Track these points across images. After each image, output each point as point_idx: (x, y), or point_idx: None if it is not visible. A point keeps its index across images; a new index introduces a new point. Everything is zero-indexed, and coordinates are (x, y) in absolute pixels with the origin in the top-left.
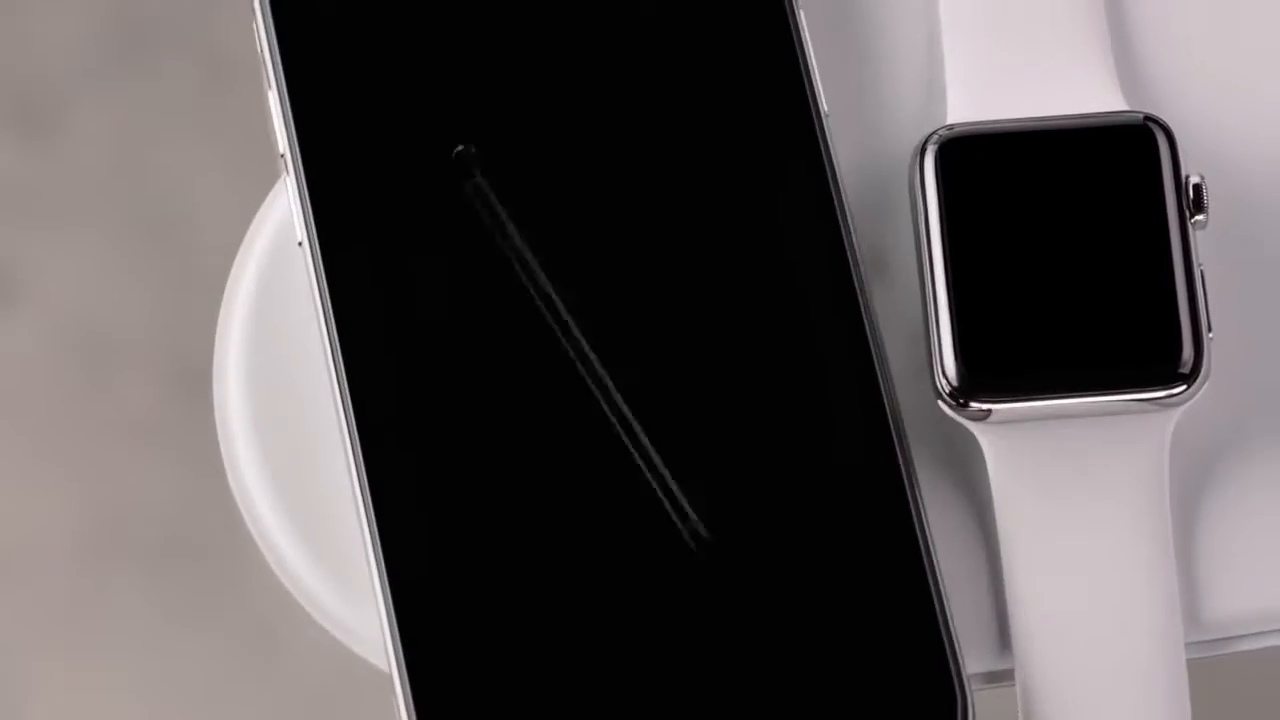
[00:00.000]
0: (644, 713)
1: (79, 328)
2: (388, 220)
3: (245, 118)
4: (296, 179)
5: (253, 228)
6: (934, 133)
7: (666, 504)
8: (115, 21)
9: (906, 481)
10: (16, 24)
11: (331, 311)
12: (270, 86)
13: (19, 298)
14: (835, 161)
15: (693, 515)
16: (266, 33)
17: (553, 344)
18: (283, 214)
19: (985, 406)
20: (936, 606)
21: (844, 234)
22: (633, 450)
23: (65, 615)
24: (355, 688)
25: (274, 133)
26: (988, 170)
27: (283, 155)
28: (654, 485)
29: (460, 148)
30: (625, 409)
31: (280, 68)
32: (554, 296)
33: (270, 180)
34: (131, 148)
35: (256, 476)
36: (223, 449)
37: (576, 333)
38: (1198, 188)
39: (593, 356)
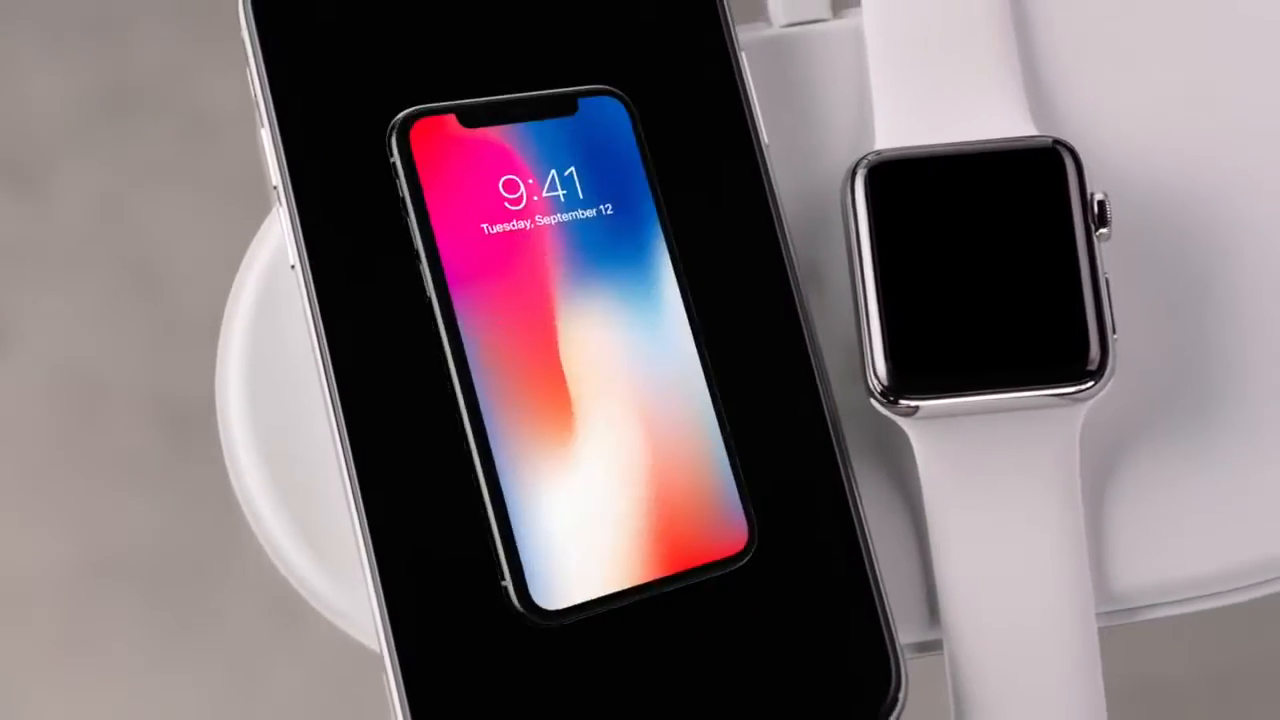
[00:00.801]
0: (618, 683)
1: (70, 372)
2: (368, 244)
3: (221, 172)
4: (288, 208)
5: (249, 252)
6: (863, 158)
7: (630, 490)
8: (98, 86)
9: (844, 473)
10: (4, 89)
11: (321, 324)
12: (263, 125)
13: (13, 344)
14: (775, 186)
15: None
16: (260, 78)
17: (521, 350)
18: (276, 240)
19: (913, 403)
20: (872, 584)
21: (783, 251)
22: (607, 443)
23: (61, 643)
24: (341, 707)
25: (267, 168)
26: (912, 191)
27: (275, 187)
28: (621, 472)
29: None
30: (597, 410)
31: (272, 109)
32: (518, 310)
33: (246, 227)
34: (116, 203)
35: (256, 477)
36: (225, 452)
37: (557, 342)
38: (1101, 204)
39: (564, 365)
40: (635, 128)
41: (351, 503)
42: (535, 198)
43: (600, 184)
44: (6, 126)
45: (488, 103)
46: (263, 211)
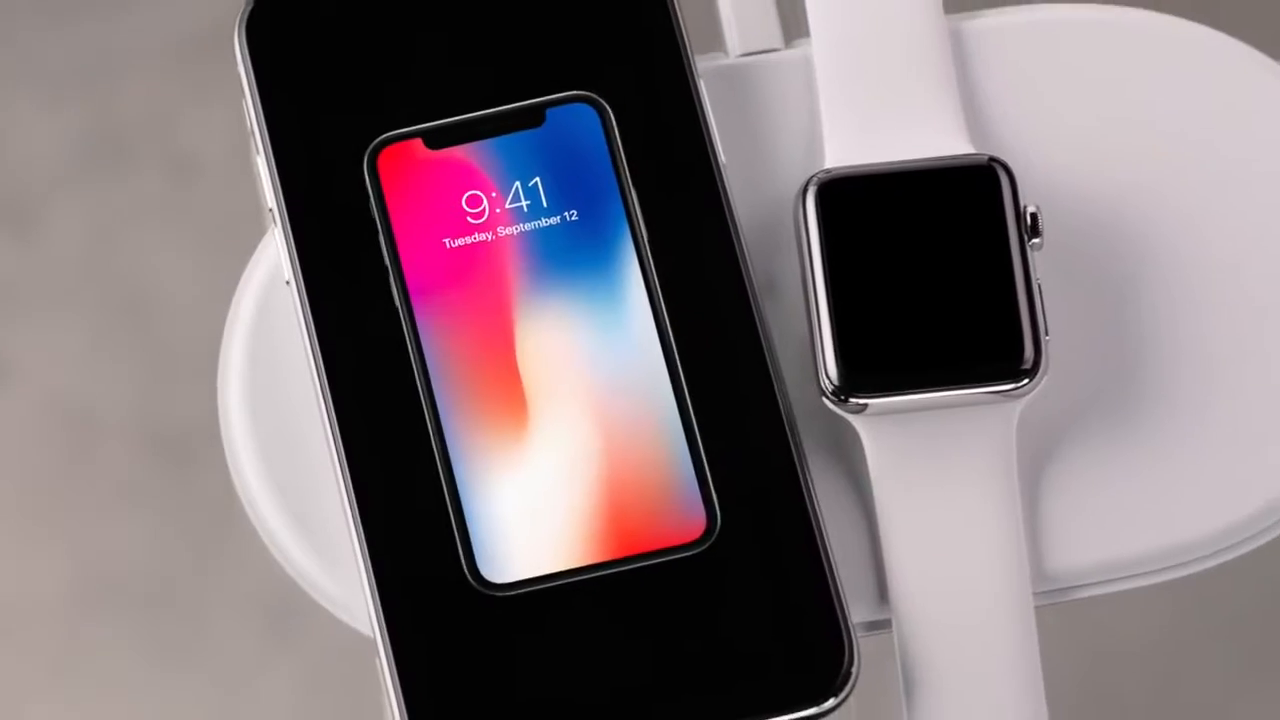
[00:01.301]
0: (580, 655)
1: (63, 403)
2: (352, 259)
3: (206, 211)
4: (282, 228)
5: (248, 269)
6: (814, 176)
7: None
8: (88, 131)
9: (799, 466)
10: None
11: (315, 333)
12: (258, 153)
13: (9, 378)
14: (732, 202)
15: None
16: (255, 111)
17: (479, 352)
18: (271, 258)
19: (862, 401)
20: (826, 568)
21: (741, 262)
22: (561, 436)
23: (58, 661)
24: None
25: (262, 191)
26: (859, 206)
27: (270, 209)
28: (602, 462)
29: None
30: (553, 405)
31: (267, 138)
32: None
33: (230, 262)
34: (105, 242)
35: (256, 476)
36: (226, 452)
37: (514, 342)
38: (1034, 216)
39: (520, 364)
40: (609, 132)
41: (343, 495)
42: (498, 210)
43: (566, 191)
44: (2, 170)
45: (453, 123)
46: (244, 247)
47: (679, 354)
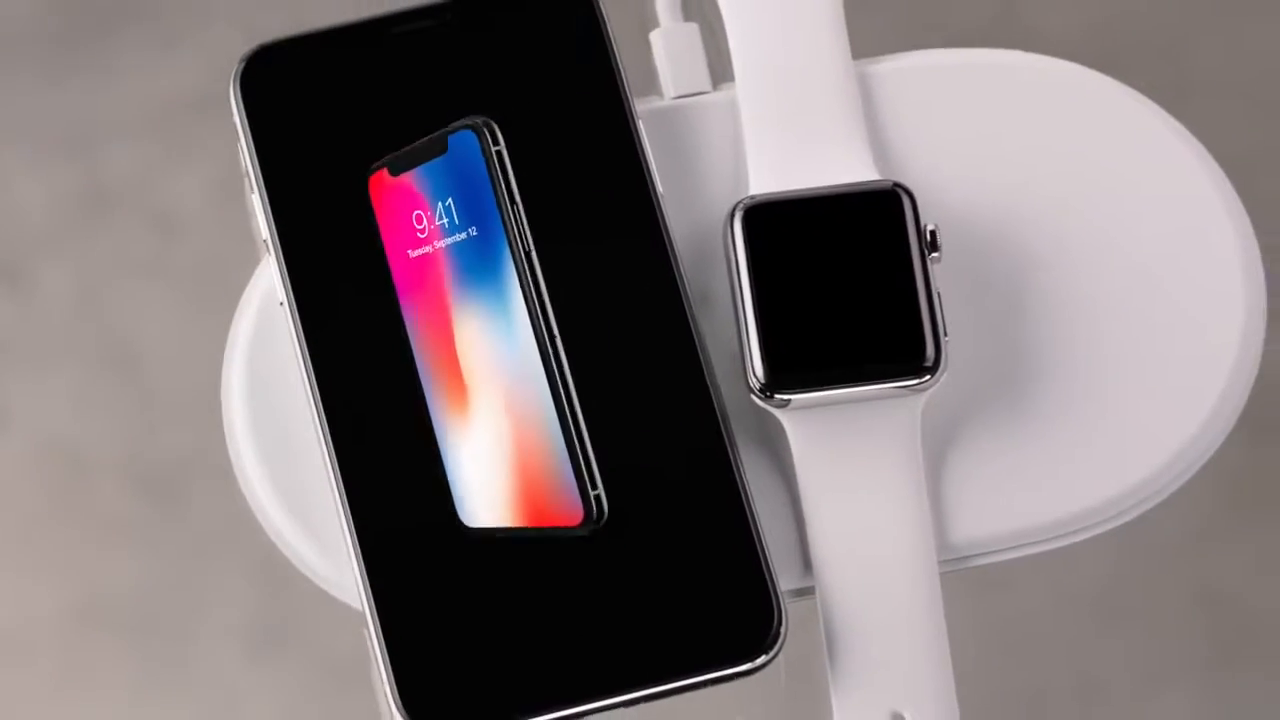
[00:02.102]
0: (542, 634)
1: (58, 446)
2: (334, 281)
3: (186, 264)
4: (275, 256)
5: (245, 293)
6: (740, 201)
7: (573, 474)
8: (73, 192)
9: (732, 455)
10: None
11: (306, 349)
12: (252, 191)
13: (6, 423)
14: (669, 226)
15: (590, 483)
16: (249, 154)
17: (436, 345)
18: (266, 283)
19: (786, 397)
20: (756, 542)
21: (678, 278)
22: (485, 420)
23: (55, 687)
24: None
25: (257, 225)
26: (780, 227)
27: (264, 240)
28: (562, 460)
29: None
30: (479, 394)
31: (260, 177)
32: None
33: (211, 309)
34: (93, 294)
35: (256, 470)
36: (229, 449)
37: (453, 338)
38: (933, 233)
39: (459, 359)
40: (487, 154)
41: (331, 480)
42: (432, 226)
43: (465, 211)
44: None
45: (397, 156)
46: (222, 295)
47: (628, 359)
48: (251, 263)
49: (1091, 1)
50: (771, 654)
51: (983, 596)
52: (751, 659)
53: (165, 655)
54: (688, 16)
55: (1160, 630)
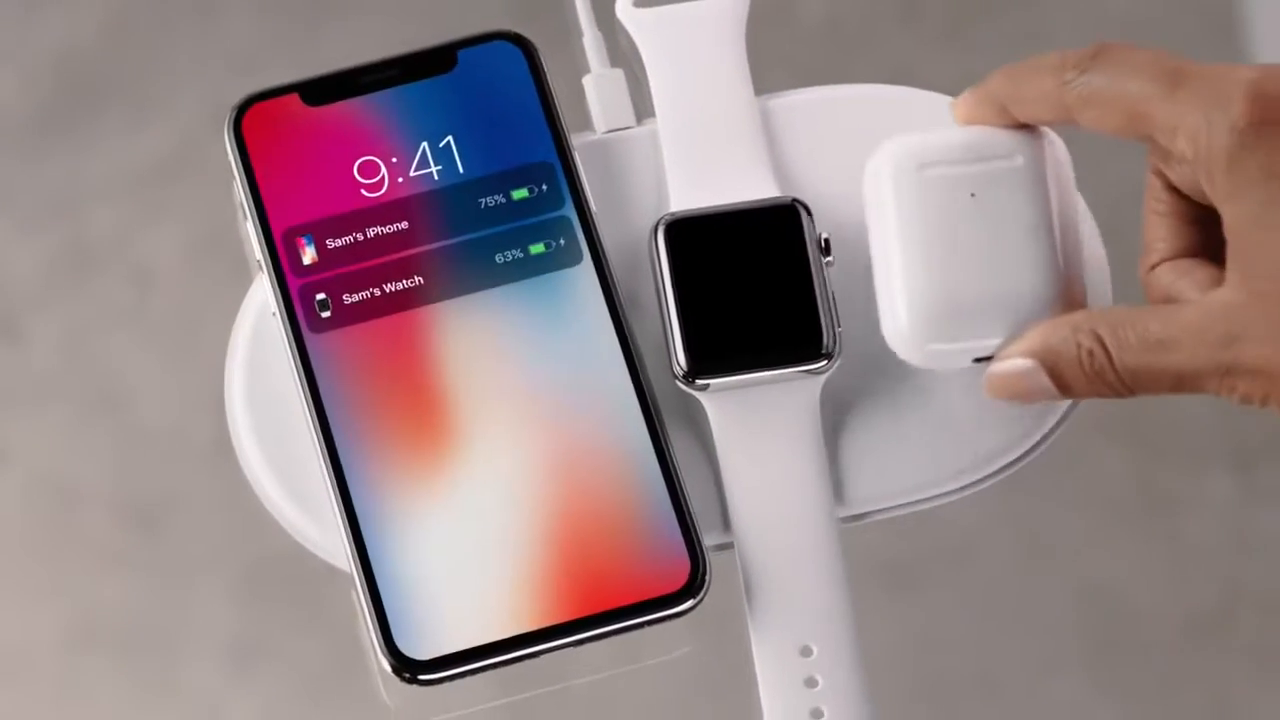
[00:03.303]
0: (502, 586)
1: (53, 481)
2: (324, 294)
3: (165, 311)
4: (267, 274)
5: (243, 306)
6: (662, 217)
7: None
8: (59, 248)
9: (661, 432)
10: None
11: (296, 350)
12: (246, 219)
13: (4, 462)
14: (601, 239)
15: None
16: (242, 186)
17: (438, 359)
18: (260, 297)
19: (705, 382)
20: (683, 503)
21: (610, 284)
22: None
23: (54, 702)
24: None
25: (252, 247)
26: (696, 238)
27: (258, 260)
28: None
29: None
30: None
31: (253, 206)
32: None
33: (189, 351)
34: (80, 343)
35: (256, 454)
36: (234, 442)
37: (443, 347)
38: (827, 241)
39: (465, 369)
40: (538, 74)
41: (320, 457)
42: (402, 177)
43: (486, 152)
44: None
45: (324, 77)
46: (196, 341)
47: (569, 353)
48: (222, 311)
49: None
50: (699, 598)
51: (894, 597)
52: (683, 603)
53: (152, 671)
54: (614, 63)
55: (1047, 626)
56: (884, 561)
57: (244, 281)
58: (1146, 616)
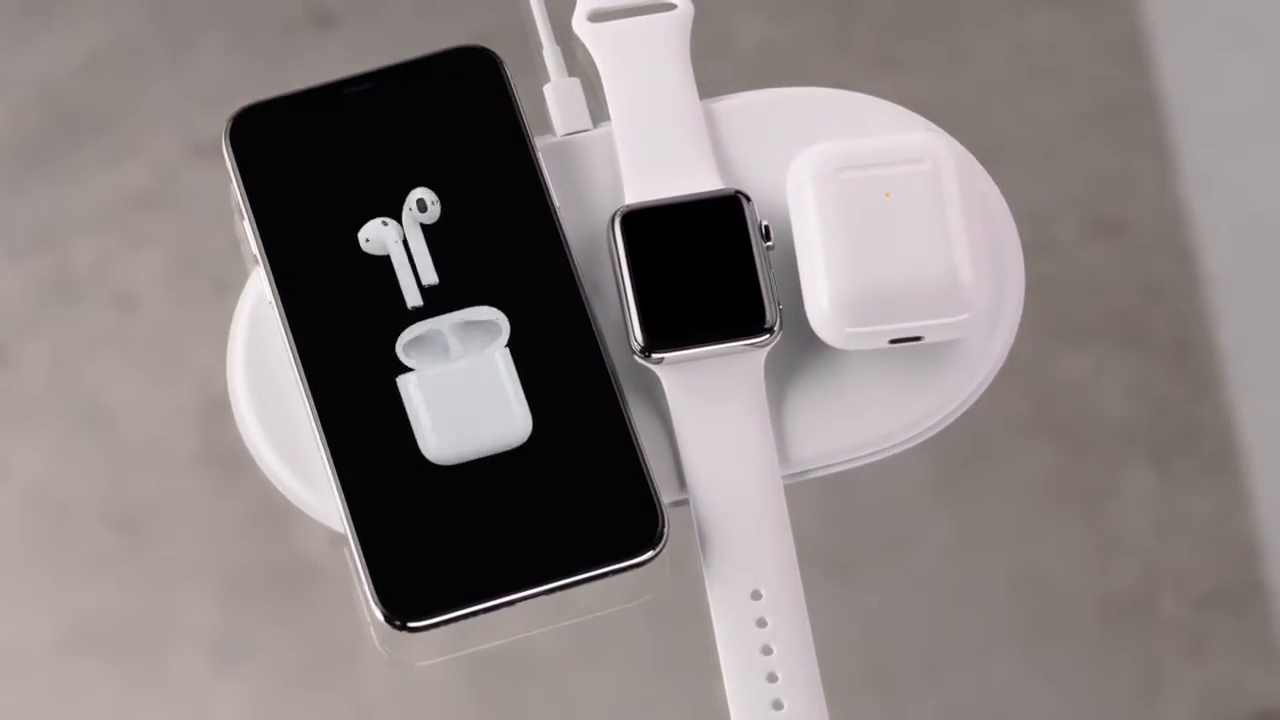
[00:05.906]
0: (481, 540)
1: (45, 494)
2: (318, 284)
3: (147, 335)
4: (264, 266)
5: (242, 295)
6: (618, 210)
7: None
8: (45, 278)
9: (621, 402)
10: None
11: (292, 337)
12: (243, 218)
13: (1, 476)
14: (564, 230)
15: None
16: (239, 190)
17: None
18: (257, 288)
19: (660, 356)
20: (642, 464)
21: (574, 271)
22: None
23: (47, 698)
24: None
25: (248, 243)
26: (649, 227)
27: (254, 255)
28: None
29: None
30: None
31: (249, 208)
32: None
33: (169, 374)
34: (68, 366)
35: (256, 428)
36: (235, 415)
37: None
38: (767, 228)
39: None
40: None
41: (316, 436)
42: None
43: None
44: None
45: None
46: (176, 361)
47: (540, 335)
48: (200, 332)
49: (922, 86)
50: (658, 549)
51: (835, 582)
52: (643, 552)
53: (142, 672)
54: (571, 73)
55: (985, 609)
56: (827, 554)
57: (222, 304)
58: (1076, 599)
